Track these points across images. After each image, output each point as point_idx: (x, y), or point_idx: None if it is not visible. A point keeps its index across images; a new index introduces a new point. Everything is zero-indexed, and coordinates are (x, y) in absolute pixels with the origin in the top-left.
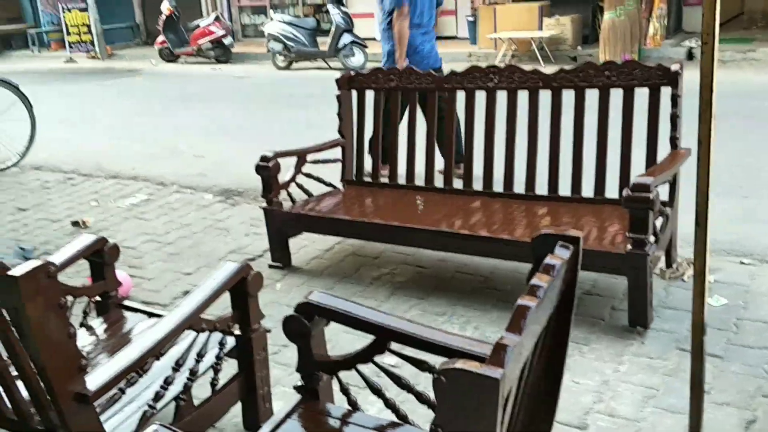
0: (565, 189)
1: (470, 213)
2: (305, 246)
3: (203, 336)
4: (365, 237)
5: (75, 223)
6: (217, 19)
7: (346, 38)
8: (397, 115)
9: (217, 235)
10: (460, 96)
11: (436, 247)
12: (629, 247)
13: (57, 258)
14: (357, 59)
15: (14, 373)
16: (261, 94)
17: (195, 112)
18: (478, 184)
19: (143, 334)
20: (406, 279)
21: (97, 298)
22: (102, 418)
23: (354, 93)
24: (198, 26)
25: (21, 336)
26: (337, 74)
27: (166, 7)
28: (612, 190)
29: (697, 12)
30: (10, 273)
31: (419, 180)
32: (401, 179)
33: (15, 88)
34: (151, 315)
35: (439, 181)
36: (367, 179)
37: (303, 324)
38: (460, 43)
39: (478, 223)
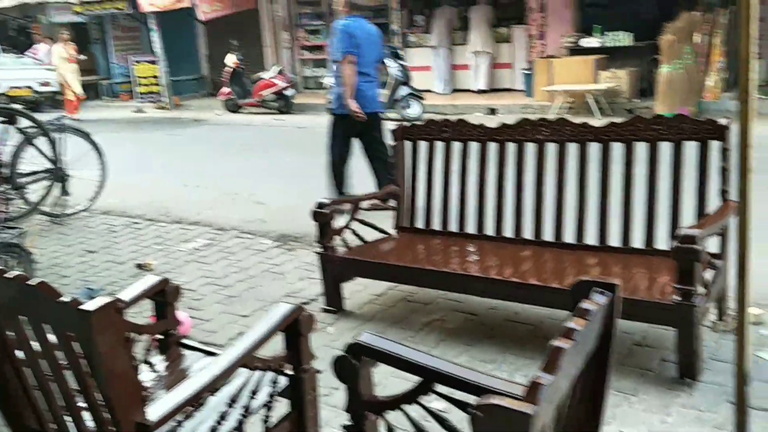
0: (615, 239)
1: (520, 261)
2: (358, 291)
3: (257, 374)
4: (417, 283)
5: (139, 266)
6: (280, 71)
7: (403, 90)
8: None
9: (273, 279)
10: (512, 148)
11: (487, 294)
12: (677, 298)
13: (124, 297)
14: (414, 110)
15: (81, 404)
16: (321, 143)
17: (256, 160)
18: (528, 233)
19: (201, 371)
20: (456, 326)
21: (159, 336)
22: None
23: (408, 143)
24: (261, 78)
25: (90, 367)
26: (394, 125)
27: (231, 61)
28: (662, 241)
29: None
30: (83, 307)
31: (471, 228)
32: (453, 227)
33: (88, 137)
34: (208, 353)
35: (490, 230)
36: (420, 226)
37: (352, 364)
38: (515, 96)
39: (529, 271)
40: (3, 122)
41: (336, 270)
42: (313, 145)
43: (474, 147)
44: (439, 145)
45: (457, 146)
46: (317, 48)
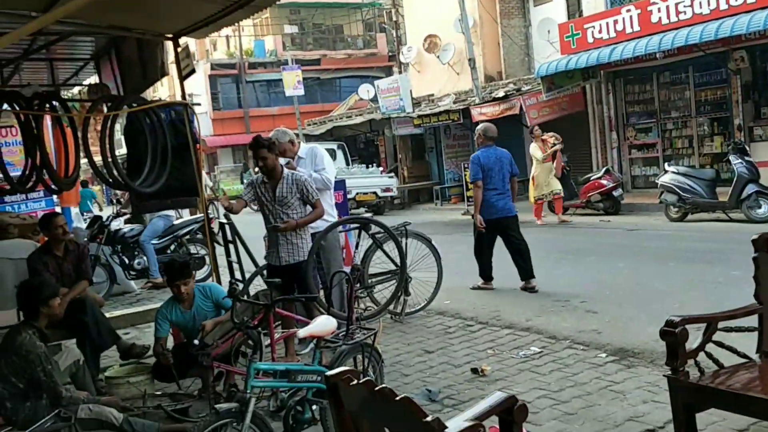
0: None
1: None
2: (714, 423)
3: None
4: None
5: (474, 370)
6: (607, 171)
7: (750, 188)
8: None
9: (612, 399)
10: None
11: None
12: None
13: (471, 412)
14: (763, 210)
15: None
16: (654, 247)
17: (586, 265)
18: None
19: None
20: None
21: None
22: None
23: None
24: (589, 179)
25: None
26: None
27: None
28: None
29: None
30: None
31: None
32: None
33: (428, 242)
34: None
35: None
36: None
37: None
38: None
39: None
40: (357, 229)
41: (688, 397)
42: (646, 249)
43: None
44: None
45: None
46: (647, 146)
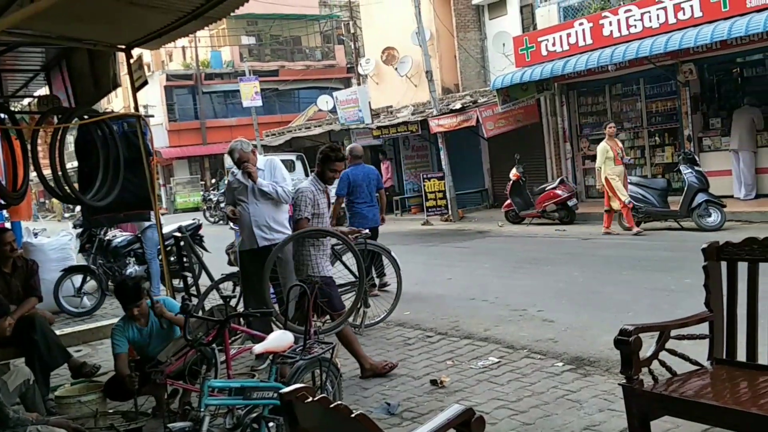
0: None
1: None
2: (668, 430)
3: None
4: (738, 429)
5: (433, 382)
6: (562, 182)
7: (700, 197)
8: None
9: (569, 408)
10: None
11: None
12: None
13: (428, 427)
14: (713, 219)
15: None
16: (608, 255)
17: (542, 274)
18: None
19: None
20: None
21: None
22: None
23: (724, 263)
24: (544, 190)
25: None
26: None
27: (513, 173)
28: None
29: None
30: None
31: None
32: None
33: (387, 253)
34: None
35: None
36: (742, 359)
37: None
38: None
39: None
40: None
41: (642, 406)
42: (601, 257)
43: None
44: (764, 267)
45: None
46: None
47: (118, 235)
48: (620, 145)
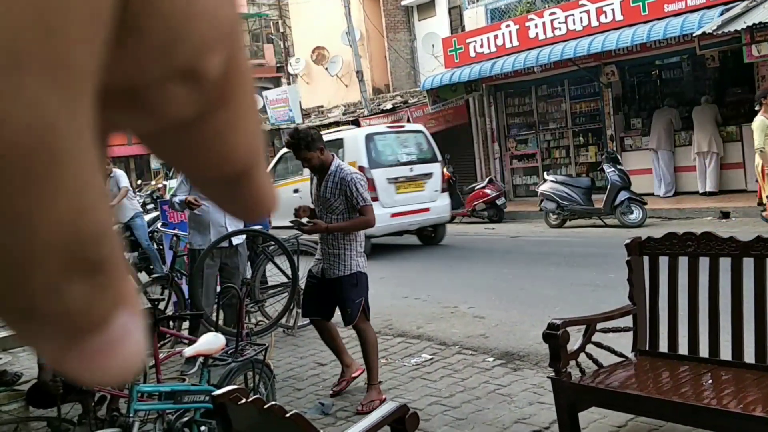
0: None
1: None
2: (596, 420)
3: None
4: (661, 416)
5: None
6: (490, 181)
7: (622, 195)
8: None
9: (500, 402)
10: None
11: None
12: None
13: (363, 425)
14: (635, 216)
15: None
16: (536, 252)
17: (473, 272)
18: None
19: None
20: None
21: None
22: None
23: (646, 258)
24: (473, 189)
25: None
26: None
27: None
28: None
29: None
30: None
31: (726, 354)
32: (704, 352)
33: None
34: None
35: (750, 357)
36: (663, 350)
37: None
38: (749, 197)
39: None
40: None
41: (570, 397)
42: (529, 254)
43: (724, 263)
44: (683, 261)
45: (703, 262)
46: (527, 157)
47: None
48: None
